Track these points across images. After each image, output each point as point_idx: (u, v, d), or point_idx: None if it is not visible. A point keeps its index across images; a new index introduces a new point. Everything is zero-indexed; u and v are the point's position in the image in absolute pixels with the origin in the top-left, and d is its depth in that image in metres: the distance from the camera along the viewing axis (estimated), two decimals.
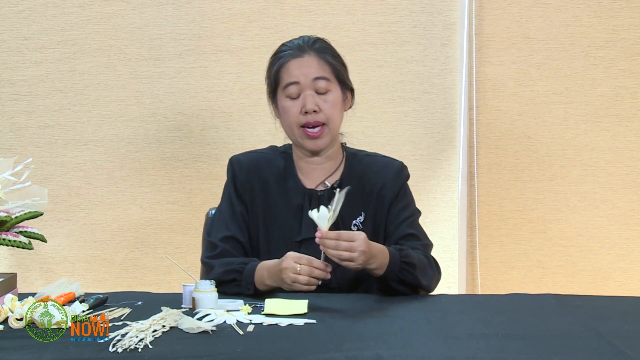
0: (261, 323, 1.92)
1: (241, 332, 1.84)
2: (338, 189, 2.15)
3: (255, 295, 2.22)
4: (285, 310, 2.00)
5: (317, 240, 2.11)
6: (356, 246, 2.11)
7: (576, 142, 3.42)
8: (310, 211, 2.14)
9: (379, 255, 2.19)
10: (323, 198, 2.36)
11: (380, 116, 3.39)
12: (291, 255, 2.16)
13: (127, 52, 3.37)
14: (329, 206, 2.12)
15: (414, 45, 3.39)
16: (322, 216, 2.11)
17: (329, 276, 2.14)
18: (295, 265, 2.13)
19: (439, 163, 3.42)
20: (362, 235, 2.13)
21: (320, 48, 2.39)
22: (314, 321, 1.93)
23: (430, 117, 3.41)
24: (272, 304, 2.02)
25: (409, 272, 2.23)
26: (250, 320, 1.93)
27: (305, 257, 2.14)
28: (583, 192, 3.43)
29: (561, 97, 3.41)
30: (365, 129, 3.34)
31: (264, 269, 2.22)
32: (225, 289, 2.22)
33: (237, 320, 1.93)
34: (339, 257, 2.12)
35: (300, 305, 2.02)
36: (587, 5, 3.39)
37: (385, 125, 3.39)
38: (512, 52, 3.40)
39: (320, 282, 2.15)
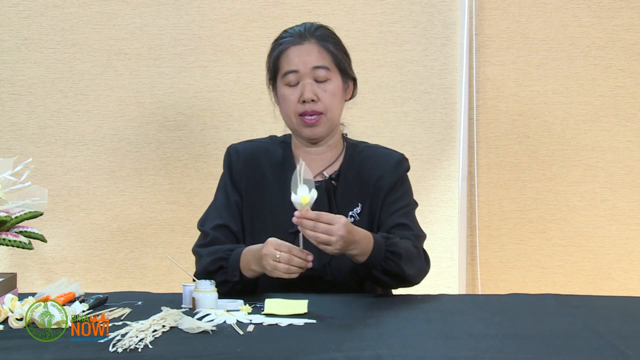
0: (261, 323, 1.92)
1: (241, 332, 1.84)
2: (300, 162, 2.08)
3: (243, 284, 2.19)
4: (285, 310, 1.99)
5: (294, 219, 2.06)
6: (335, 229, 2.06)
7: (576, 142, 3.42)
8: (292, 197, 2.07)
9: (362, 242, 2.14)
10: (320, 189, 2.32)
11: (380, 116, 3.40)
12: (272, 241, 2.11)
13: (127, 52, 3.38)
14: (302, 183, 2.05)
15: (414, 45, 3.39)
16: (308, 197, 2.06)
17: (309, 265, 2.08)
18: (275, 252, 2.08)
19: (439, 163, 3.42)
20: (342, 219, 2.08)
21: (322, 36, 2.35)
22: (314, 321, 1.93)
23: (430, 117, 3.41)
24: (272, 304, 2.01)
25: (393, 262, 2.19)
26: (250, 320, 1.93)
27: (285, 245, 2.09)
28: (583, 192, 3.43)
29: (561, 97, 3.41)
30: (365, 129, 3.34)
31: (250, 254, 2.19)
32: (214, 278, 2.16)
33: (237, 320, 1.93)
34: (316, 239, 2.06)
35: (300, 305, 2.01)
36: (587, 5, 3.39)
37: (385, 125, 3.39)
38: (512, 52, 3.40)
39: (302, 271, 2.09)
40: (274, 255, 2.09)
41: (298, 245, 2.11)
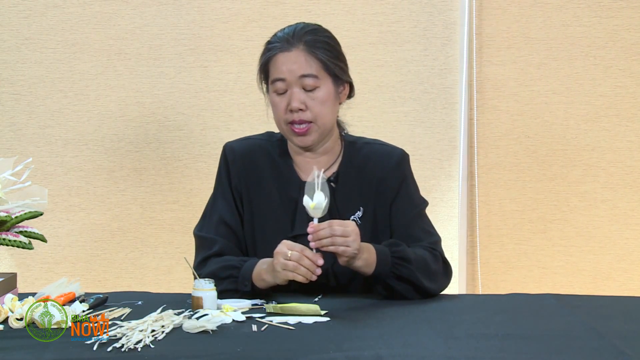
0: (270, 321, 1.92)
1: (255, 329, 1.85)
2: (317, 173, 2.06)
3: (254, 294, 2.16)
4: (299, 310, 1.98)
5: (309, 231, 2.03)
6: (350, 230, 2.05)
7: (576, 142, 3.42)
8: (305, 199, 2.07)
9: (364, 251, 2.12)
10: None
11: (380, 116, 3.39)
12: (285, 242, 2.07)
13: (127, 52, 3.38)
14: (320, 193, 2.05)
15: (414, 45, 3.39)
16: (318, 205, 2.06)
17: (318, 270, 2.04)
18: (287, 251, 2.04)
19: (439, 163, 3.42)
20: (351, 222, 2.08)
21: (311, 41, 2.26)
22: (325, 319, 1.92)
23: (430, 117, 3.41)
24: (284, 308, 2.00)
25: (404, 267, 2.15)
26: (258, 319, 1.93)
27: (298, 245, 2.05)
28: (583, 192, 3.43)
29: (561, 97, 3.41)
30: (365, 129, 3.32)
31: (264, 263, 2.15)
32: (221, 285, 2.13)
33: (246, 318, 1.93)
34: (334, 244, 2.04)
35: (313, 308, 2.00)
36: (587, 5, 3.39)
37: (385, 125, 3.39)
38: (513, 52, 3.40)
39: (310, 276, 2.05)
40: (286, 253, 2.05)
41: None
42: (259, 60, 2.33)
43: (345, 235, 2.05)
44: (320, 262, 2.04)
